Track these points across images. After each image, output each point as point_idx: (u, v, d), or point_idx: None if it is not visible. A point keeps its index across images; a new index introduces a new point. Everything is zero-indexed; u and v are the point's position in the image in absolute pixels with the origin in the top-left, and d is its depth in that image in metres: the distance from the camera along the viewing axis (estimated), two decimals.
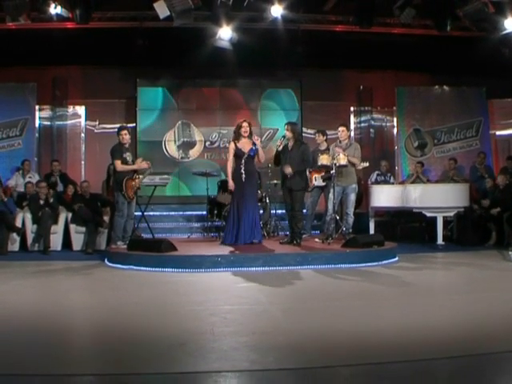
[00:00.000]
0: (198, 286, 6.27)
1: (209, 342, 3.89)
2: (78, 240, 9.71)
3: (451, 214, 9.51)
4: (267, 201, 9.55)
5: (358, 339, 3.98)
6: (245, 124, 8.36)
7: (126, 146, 8.46)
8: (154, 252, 7.52)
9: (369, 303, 5.23)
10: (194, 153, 12.04)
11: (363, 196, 10.90)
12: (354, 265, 7.37)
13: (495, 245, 9.60)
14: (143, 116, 11.89)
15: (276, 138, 11.18)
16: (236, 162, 8.28)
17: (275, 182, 9.46)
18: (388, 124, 12.80)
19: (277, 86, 12.39)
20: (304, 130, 12.15)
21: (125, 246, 8.05)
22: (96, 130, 12.06)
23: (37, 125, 11.63)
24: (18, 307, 5.14)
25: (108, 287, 6.36)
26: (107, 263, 7.91)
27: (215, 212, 9.87)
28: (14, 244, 9.42)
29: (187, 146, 11.99)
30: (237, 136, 8.36)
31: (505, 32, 9.82)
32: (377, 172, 11.23)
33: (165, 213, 11.20)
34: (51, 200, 9.68)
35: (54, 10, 9.26)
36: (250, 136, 8.33)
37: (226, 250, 7.79)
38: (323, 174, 8.96)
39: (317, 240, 8.47)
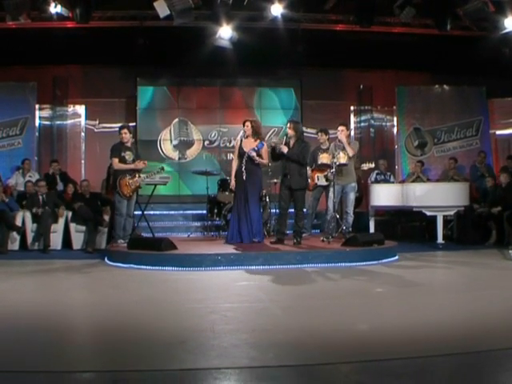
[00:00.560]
0: (198, 285, 6.27)
1: (209, 339, 3.89)
2: (78, 239, 9.72)
3: (451, 213, 9.51)
4: (267, 200, 9.55)
5: (357, 337, 3.98)
6: (247, 123, 8.42)
7: (128, 144, 8.46)
8: (154, 251, 7.51)
9: (368, 301, 5.23)
10: (192, 152, 12.02)
11: (363, 195, 10.91)
12: (354, 263, 7.36)
13: (495, 244, 9.60)
14: (143, 115, 11.88)
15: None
16: (239, 161, 8.32)
17: (275, 180, 9.46)
18: (388, 123, 12.81)
19: (277, 85, 12.40)
20: (304, 129, 12.13)
21: (125, 245, 8.06)
22: (96, 130, 12.07)
23: (37, 124, 11.64)
24: (18, 306, 5.13)
25: (108, 286, 6.35)
26: (107, 262, 7.91)
27: (215, 211, 9.89)
28: (14, 243, 9.43)
29: (184, 145, 11.98)
30: (243, 135, 8.50)
31: (505, 31, 9.85)
32: (376, 171, 11.24)
33: (165, 212, 11.21)
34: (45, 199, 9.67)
35: (54, 9, 9.30)
36: (256, 135, 8.34)
37: (226, 249, 7.80)
38: (326, 173, 8.95)
39: (323, 239, 8.41)
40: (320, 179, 9.13)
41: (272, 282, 6.26)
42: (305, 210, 9.98)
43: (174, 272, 7.04)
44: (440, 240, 9.19)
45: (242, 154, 8.30)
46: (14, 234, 9.39)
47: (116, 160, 8.30)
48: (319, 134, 9.45)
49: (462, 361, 3.49)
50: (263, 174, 9.63)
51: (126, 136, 8.41)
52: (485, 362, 3.45)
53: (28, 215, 9.55)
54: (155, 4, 9.12)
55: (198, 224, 10.85)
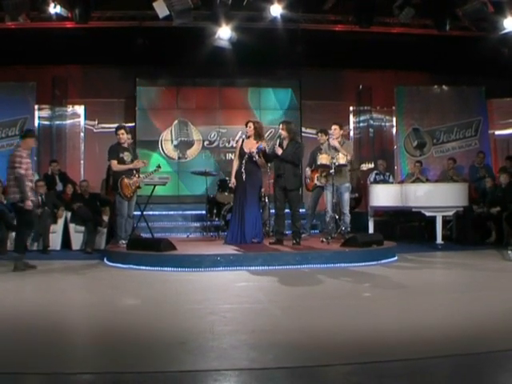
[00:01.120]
0: (198, 285, 6.27)
1: (208, 340, 3.89)
2: (77, 239, 9.72)
3: (450, 213, 9.52)
4: (266, 200, 9.55)
5: (356, 338, 3.98)
6: (249, 124, 8.47)
7: (125, 145, 8.46)
8: (153, 251, 7.52)
9: (367, 302, 5.24)
10: (193, 152, 12.02)
11: (362, 195, 10.91)
12: (353, 264, 7.37)
13: (495, 244, 9.60)
14: (143, 115, 11.88)
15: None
16: (239, 161, 8.34)
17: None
18: (387, 123, 12.81)
19: (276, 85, 12.39)
20: (303, 129, 12.18)
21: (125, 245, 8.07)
22: (95, 130, 12.06)
23: (36, 124, 11.62)
24: (17, 306, 5.14)
25: (107, 286, 6.36)
26: (106, 262, 7.92)
27: (214, 211, 9.88)
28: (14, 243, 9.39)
29: (185, 145, 11.98)
30: (245, 135, 8.57)
31: (504, 31, 9.86)
32: (375, 171, 11.25)
33: (164, 212, 11.20)
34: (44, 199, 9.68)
35: (54, 9, 9.30)
36: (258, 137, 8.35)
37: (225, 249, 7.81)
38: (320, 174, 8.96)
39: (323, 240, 8.42)
40: (319, 180, 9.14)
41: (271, 283, 6.26)
42: (304, 210, 10.02)
43: (173, 272, 7.04)
44: (439, 240, 9.20)
45: (242, 154, 8.31)
46: (13, 234, 9.36)
47: (115, 162, 8.32)
48: (319, 134, 9.43)
49: (460, 362, 3.50)
50: (263, 174, 9.64)
51: (124, 137, 8.41)
52: (484, 364, 3.46)
53: None
54: (154, 4, 9.11)
55: (197, 224, 10.85)
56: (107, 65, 11.77)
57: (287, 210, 8.40)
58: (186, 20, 9.54)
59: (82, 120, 12.01)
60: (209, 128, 12.02)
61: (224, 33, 10.08)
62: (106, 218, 9.75)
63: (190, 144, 12.02)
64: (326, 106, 12.41)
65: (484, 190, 10.50)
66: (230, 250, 7.78)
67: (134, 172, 8.41)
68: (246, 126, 8.54)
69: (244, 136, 8.81)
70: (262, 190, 9.38)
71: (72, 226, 9.72)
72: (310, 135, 11.87)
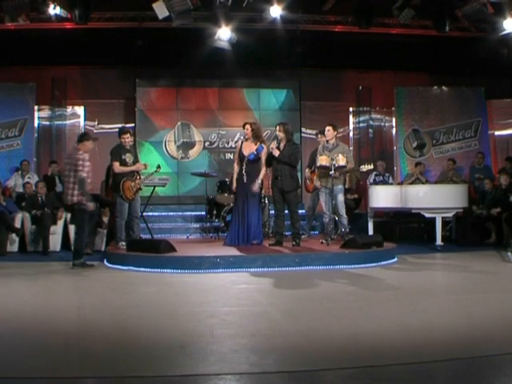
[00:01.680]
0: (198, 287, 6.28)
1: (208, 344, 3.90)
2: None
3: (450, 214, 9.53)
4: (266, 201, 9.55)
5: (356, 341, 3.98)
6: (247, 126, 8.44)
7: (127, 147, 8.48)
8: (152, 253, 7.52)
9: (367, 304, 5.24)
10: (194, 152, 12.05)
11: (362, 196, 10.91)
12: (352, 265, 7.38)
13: (495, 245, 9.61)
14: (142, 116, 11.88)
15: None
16: (240, 164, 8.34)
17: None
18: (387, 124, 12.80)
19: (276, 86, 12.38)
20: (303, 130, 12.18)
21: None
22: (95, 130, 12.03)
23: (36, 125, 11.61)
24: (17, 308, 5.14)
25: (107, 288, 6.36)
26: (106, 264, 7.92)
27: (214, 212, 9.88)
28: (14, 245, 9.42)
29: (187, 146, 12.00)
30: (244, 137, 8.54)
31: (504, 32, 9.85)
32: (375, 172, 11.25)
33: (164, 213, 11.20)
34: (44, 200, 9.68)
35: (53, 10, 9.29)
36: (256, 138, 8.34)
37: (225, 251, 7.81)
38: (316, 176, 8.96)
39: (323, 241, 8.42)
40: (315, 181, 9.12)
41: (271, 285, 6.27)
42: (303, 211, 10.02)
43: (173, 274, 7.05)
44: (439, 242, 9.20)
45: (241, 157, 8.32)
46: (13, 235, 9.38)
47: (117, 163, 8.34)
48: (319, 135, 9.42)
49: (460, 366, 3.50)
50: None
51: (128, 140, 8.48)
52: (483, 368, 3.46)
53: (27, 217, 9.54)
54: (154, 5, 9.10)
55: (197, 225, 10.85)
56: (107, 65, 11.77)
57: (287, 211, 8.40)
58: (185, 21, 9.53)
59: (81, 121, 12.00)
60: (210, 130, 12.02)
61: (224, 34, 10.07)
62: (105, 220, 9.74)
63: (192, 145, 12.03)
64: (326, 107, 12.41)
65: (483, 191, 10.50)
66: (230, 251, 7.78)
67: (136, 174, 8.43)
68: (244, 128, 8.53)
69: (243, 137, 8.79)
70: (262, 191, 9.38)
71: (72, 228, 9.70)
72: (310, 136, 11.90)
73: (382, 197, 9.77)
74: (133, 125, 11.62)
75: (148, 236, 9.26)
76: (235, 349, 3.79)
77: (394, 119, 12.51)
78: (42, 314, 4.90)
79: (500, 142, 12.44)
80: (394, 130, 12.53)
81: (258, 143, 8.32)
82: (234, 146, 11.36)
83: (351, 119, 12.69)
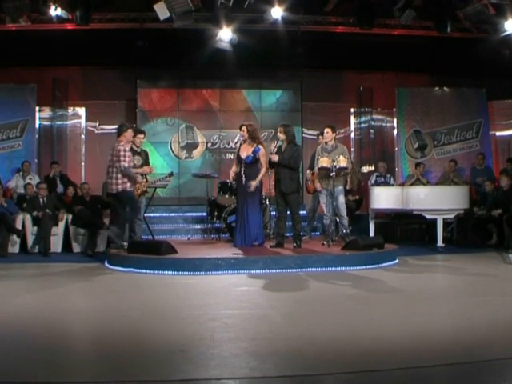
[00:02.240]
0: (199, 289, 6.28)
1: (209, 348, 3.90)
2: (78, 242, 9.71)
3: (451, 216, 9.51)
4: (267, 203, 9.55)
5: (357, 345, 3.98)
6: (243, 128, 8.47)
7: (138, 149, 8.60)
8: (153, 254, 7.52)
9: (368, 308, 5.23)
10: (197, 153, 12.07)
11: (363, 197, 10.91)
12: (354, 267, 7.36)
13: (496, 246, 9.60)
14: (143, 117, 11.89)
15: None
16: (239, 166, 8.35)
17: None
18: (388, 125, 12.77)
19: (277, 87, 12.37)
20: (304, 130, 12.18)
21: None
22: (96, 131, 12.06)
23: (37, 126, 11.60)
24: (17, 310, 5.14)
25: (108, 290, 6.36)
26: (107, 265, 7.92)
27: (215, 213, 9.88)
28: (15, 246, 9.41)
29: (190, 147, 12.02)
30: (242, 140, 8.59)
31: (505, 33, 9.83)
32: (376, 174, 11.23)
33: (165, 214, 11.21)
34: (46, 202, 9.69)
35: (54, 11, 9.27)
36: (252, 140, 8.34)
37: (226, 253, 7.81)
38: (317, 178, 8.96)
39: (324, 243, 8.43)
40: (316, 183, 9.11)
41: (272, 287, 6.27)
42: (304, 212, 10.02)
43: (174, 276, 7.05)
44: (440, 243, 9.18)
45: (239, 160, 8.34)
46: (14, 237, 9.38)
47: None
48: (320, 137, 9.41)
49: (460, 370, 3.50)
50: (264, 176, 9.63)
51: (141, 141, 8.67)
52: (483, 372, 3.45)
53: (28, 218, 9.54)
54: (155, 6, 9.08)
55: (198, 227, 10.85)
56: (108, 66, 11.77)
57: (288, 213, 8.39)
58: (186, 22, 9.51)
59: (82, 121, 12.00)
60: (211, 132, 12.03)
61: (225, 35, 10.06)
62: (106, 221, 9.73)
63: (195, 145, 12.05)
64: (327, 108, 12.40)
65: (485, 192, 10.48)
66: (231, 253, 7.78)
67: (142, 177, 8.49)
68: (240, 130, 8.54)
69: (241, 139, 8.76)
70: (263, 192, 9.36)
71: (73, 229, 9.72)
72: (311, 137, 11.89)
73: (383, 198, 9.76)
74: (133, 125, 11.59)
75: (149, 237, 9.25)
76: (236, 353, 3.79)
77: (395, 120, 12.49)
78: (41, 317, 4.89)
79: (501, 143, 12.42)
80: (395, 131, 12.51)
81: (255, 144, 8.32)
82: (234, 146, 11.37)
83: (352, 120, 12.67)
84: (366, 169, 9.18)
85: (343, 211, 8.58)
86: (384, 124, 12.80)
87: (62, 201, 10.09)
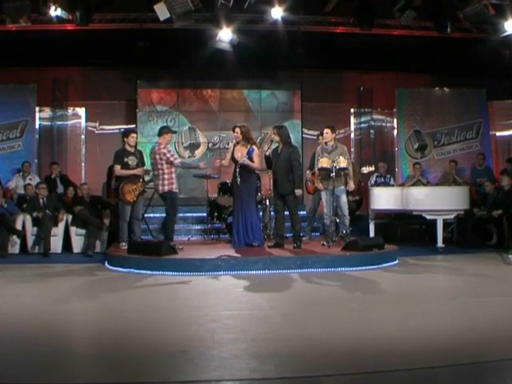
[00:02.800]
0: (198, 290, 6.28)
1: (209, 349, 3.89)
2: (78, 242, 9.71)
3: (451, 216, 9.51)
4: (267, 203, 9.55)
5: (357, 346, 3.97)
6: (236, 129, 8.50)
7: (132, 150, 8.54)
8: (153, 255, 7.52)
9: (368, 308, 5.23)
10: (199, 153, 12.09)
11: (363, 198, 10.90)
12: (354, 268, 7.36)
13: (496, 246, 9.59)
14: (143, 117, 11.89)
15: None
16: (234, 166, 8.35)
17: None
18: (388, 125, 12.77)
19: (277, 87, 12.37)
20: (305, 131, 12.18)
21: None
22: (96, 132, 12.06)
23: (37, 126, 11.60)
24: (17, 311, 5.15)
25: (108, 291, 6.35)
26: (107, 266, 7.92)
27: (215, 214, 9.88)
28: (15, 246, 9.41)
29: (193, 147, 12.06)
30: (236, 141, 8.53)
31: (505, 34, 9.82)
32: (376, 174, 11.23)
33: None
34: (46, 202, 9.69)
35: (54, 12, 9.26)
36: (246, 141, 8.34)
37: (225, 253, 7.80)
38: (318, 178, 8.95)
39: (324, 243, 8.43)
40: (317, 183, 9.11)
41: (272, 288, 6.26)
42: (304, 212, 10.02)
43: (174, 277, 7.04)
44: (440, 244, 9.18)
45: (234, 161, 8.35)
46: (15, 237, 9.37)
47: (118, 167, 8.40)
48: (320, 137, 9.40)
49: (461, 372, 3.49)
50: (259, 176, 9.63)
51: (134, 140, 8.63)
52: (484, 373, 3.45)
53: (28, 218, 9.54)
54: (155, 7, 9.08)
55: (198, 227, 10.84)
56: (108, 67, 11.76)
57: (287, 213, 8.40)
58: (186, 22, 9.51)
59: (82, 122, 12.00)
60: (211, 132, 12.05)
61: (225, 35, 10.06)
62: (107, 222, 9.74)
63: (197, 146, 12.07)
64: (327, 108, 12.40)
65: (485, 192, 10.48)
66: (231, 253, 7.78)
67: (138, 177, 8.46)
68: (234, 132, 8.55)
69: (234, 141, 8.70)
70: (262, 193, 9.38)
71: (73, 229, 9.72)
72: (311, 137, 11.89)
73: (383, 198, 9.76)
74: (134, 126, 11.61)
75: (149, 237, 9.25)
76: (236, 354, 3.79)
77: (395, 120, 12.49)
78: (41, 319, 4.88)
79: (501, 143, 12.43)
80: (395, 132, 12.51)
81: (249, 145, 8.33)
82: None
83: (352, 120, 12.68)
84: (365, 169, 9.16)
85: (345, 210, 8.57)
86: (384, 124, 12.80)
87: (62, 201, 10.08)
